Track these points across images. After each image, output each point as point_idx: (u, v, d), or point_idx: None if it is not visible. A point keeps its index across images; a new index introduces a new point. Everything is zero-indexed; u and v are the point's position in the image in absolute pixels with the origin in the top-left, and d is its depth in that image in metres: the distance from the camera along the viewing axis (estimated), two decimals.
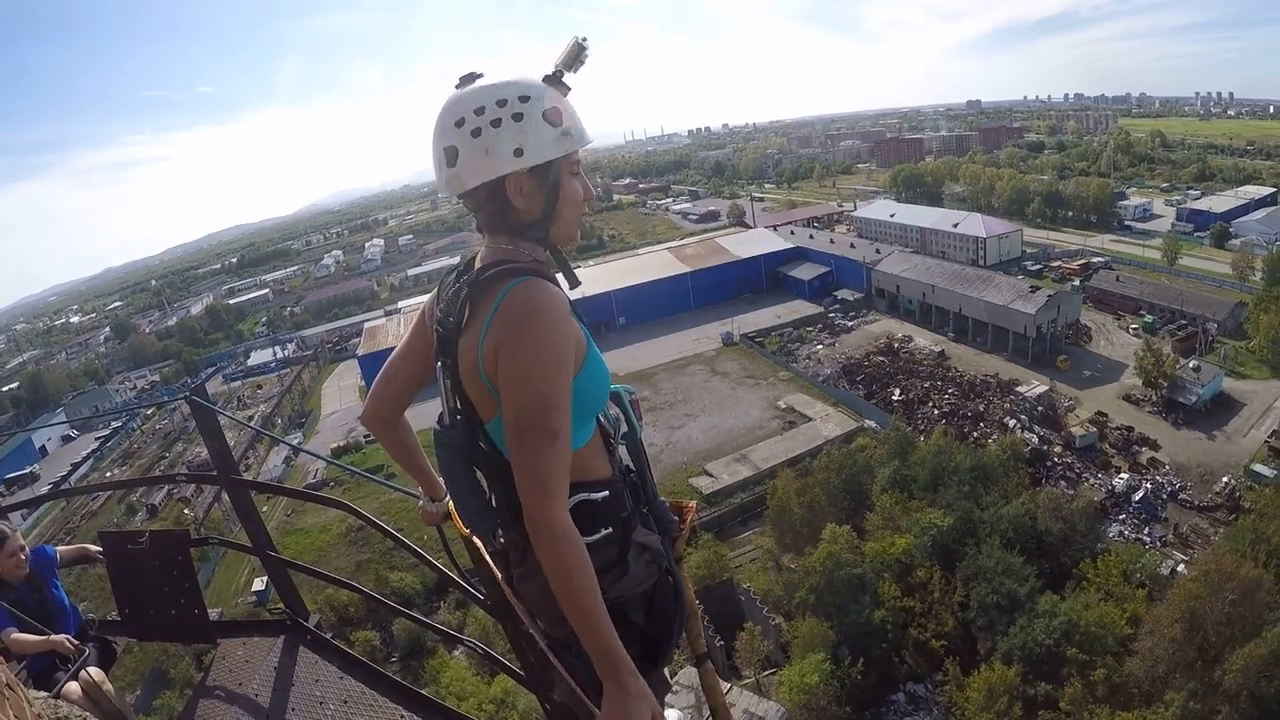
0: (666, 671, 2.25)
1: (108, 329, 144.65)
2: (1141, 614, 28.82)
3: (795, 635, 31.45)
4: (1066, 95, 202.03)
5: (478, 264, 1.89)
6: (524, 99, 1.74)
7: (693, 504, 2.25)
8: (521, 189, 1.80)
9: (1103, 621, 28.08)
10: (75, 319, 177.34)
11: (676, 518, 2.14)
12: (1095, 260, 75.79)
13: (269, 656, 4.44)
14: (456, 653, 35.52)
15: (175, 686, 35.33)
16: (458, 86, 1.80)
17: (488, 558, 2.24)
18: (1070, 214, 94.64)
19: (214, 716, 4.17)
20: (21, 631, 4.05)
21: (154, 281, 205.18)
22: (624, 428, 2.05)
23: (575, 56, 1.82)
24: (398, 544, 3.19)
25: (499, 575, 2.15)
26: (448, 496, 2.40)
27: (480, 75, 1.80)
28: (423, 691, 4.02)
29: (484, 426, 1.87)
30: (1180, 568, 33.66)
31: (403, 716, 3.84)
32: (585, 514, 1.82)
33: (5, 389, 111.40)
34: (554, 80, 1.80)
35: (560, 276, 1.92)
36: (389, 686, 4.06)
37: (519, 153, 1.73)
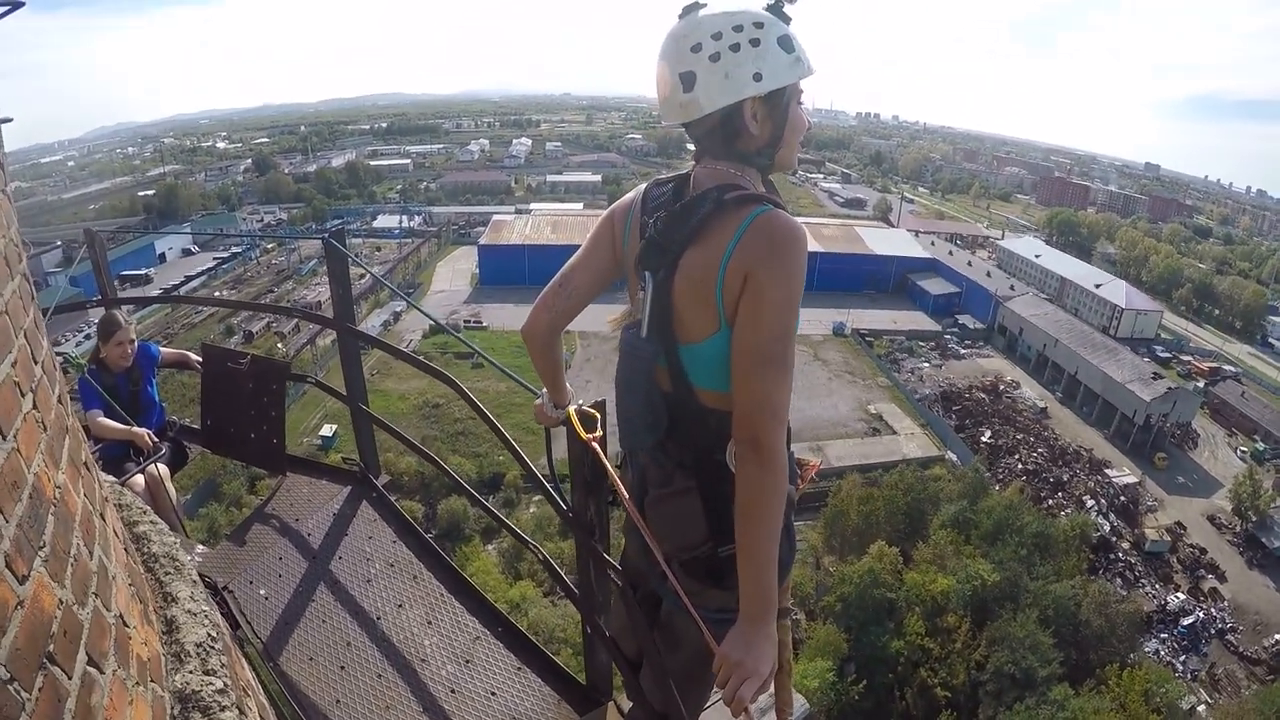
0: None
1: (249, 161, 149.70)
2: None
3: (810, 635, 31.47)
4: (1249, 188, 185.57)
5: (697, 183, 1.91)
6: (759, 25, 1.76)
7: (816, 462, 2.28)
8: (756, 115, 1.82)
9: None
10: (221, 145, 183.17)
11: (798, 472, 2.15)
12: (1226, 369, 70.70)
13: (331, 502, 4.58)
14: (489, 547, 36.69)
15: (223, 501, 37.60)
16: (681, 16, 1.82)
17: (613, 472, 2.28)
18: (1217, 312, 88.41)
19: (265, 541, 4.34)
20: (107, 417, 4.27)
21: (303, 127, 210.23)
22: None
23: None
24: (496, 434, 3.23)
25: (623, 492, 2.17)
26: (571, 405, 2.45)
27: (704, 4, 1.81)
28: (468, 578, 4.11)
29: (679, 347, 1.86)
30: (1201, 708, 32.17)
31: (441, 595, 3.92)
32: None
33: (141, 194, 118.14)
34: (776, 10, 1.80)
35: None
36: (435, 563, 4.14)
37: (758, 77, 1.75)
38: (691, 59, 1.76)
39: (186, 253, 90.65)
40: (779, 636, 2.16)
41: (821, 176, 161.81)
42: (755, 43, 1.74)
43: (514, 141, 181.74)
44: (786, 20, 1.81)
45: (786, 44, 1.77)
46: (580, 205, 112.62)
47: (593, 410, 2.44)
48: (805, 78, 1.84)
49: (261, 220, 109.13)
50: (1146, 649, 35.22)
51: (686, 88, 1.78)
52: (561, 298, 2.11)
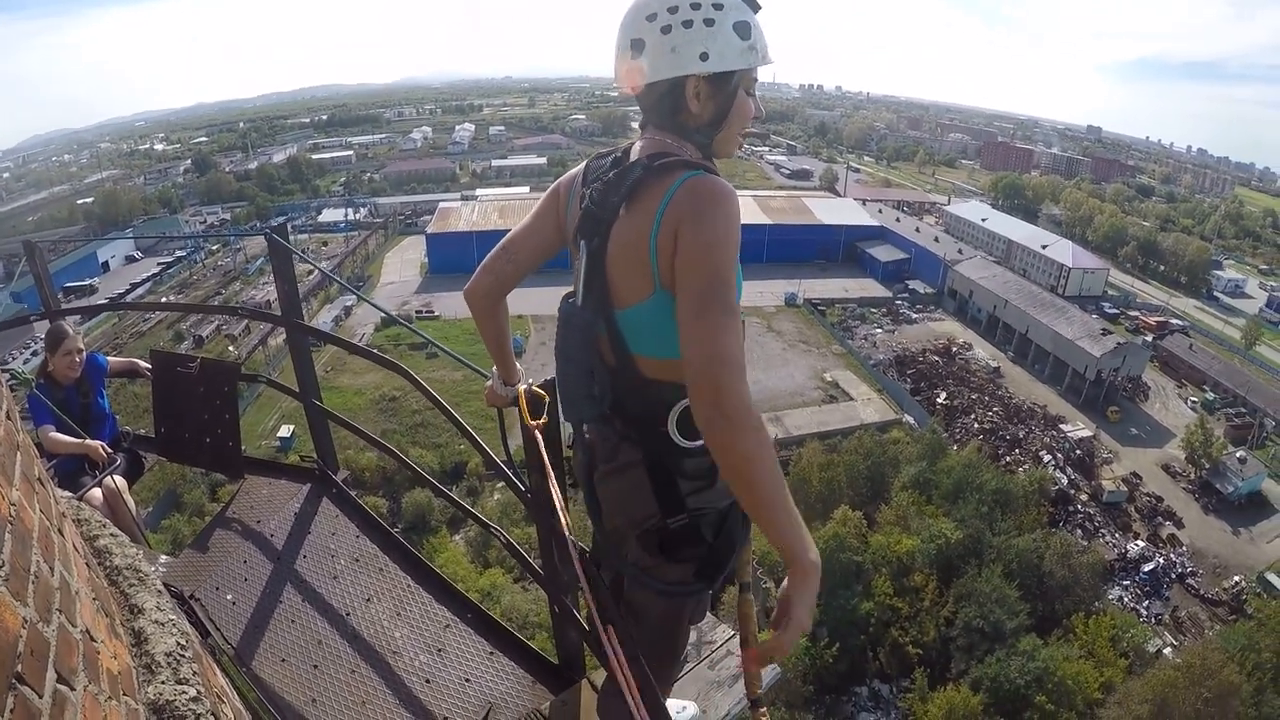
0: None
1: (189, 161, 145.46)
2: (1116, 683, 28.43)
3: None
4: (1190, 147, 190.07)
5: (638, 152, 1.91)
6: (718, 6, 1.76)
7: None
8: (699, 93, 1.82)
9: (1077, 679, 27.81)
10: (159, 146, 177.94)
11: None
12: (1174, 322, 72.63)
13: (291, 502, 4.54)
14: (456, 538, 36.43)
15: (185, 511, 36.90)
16: None
17: (546, 458, 2.27)
18: (1162, 268, 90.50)
19: (228, 546, 4.29)
20: (59, 431, 4.20)
21: (242, 124, 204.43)
22: None
23: None
24: (450, 420, 3.21)
25: (554, 481, 2.16)
26: (521, 384, 2.45)
27: None
28: (434, 568, 4.10)
29: (615, 312, 1.86)
30: (1167, 650, 33.03)
31: (409, 586, 3.91)
32: (689, 420, 1.76)
33: (80, 202, 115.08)
34: None
35: None
36: (401, 555, 4.13)
37: (704, 57, 1.75)
38: (645, 26, 1.77)
39: (130, 259, 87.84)
40: (742, 610, 2.18)
41: (767, 149, 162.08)
42: (710, 22, 1.74)
43: (457, 128, 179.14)
44: (755, 8, 1.81)
45: (743, 30, 1.77)
46: (527, 188, 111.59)
47: (542, 391, 2.43)
48: (757, 67, 1.83)
49: (204, 221, 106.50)
50: (1110, 596, 36.16)
51: (635, 54, 1.79)
52: (504, 261, 2.13)
